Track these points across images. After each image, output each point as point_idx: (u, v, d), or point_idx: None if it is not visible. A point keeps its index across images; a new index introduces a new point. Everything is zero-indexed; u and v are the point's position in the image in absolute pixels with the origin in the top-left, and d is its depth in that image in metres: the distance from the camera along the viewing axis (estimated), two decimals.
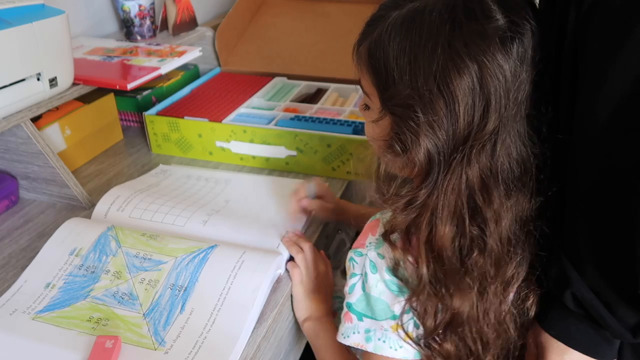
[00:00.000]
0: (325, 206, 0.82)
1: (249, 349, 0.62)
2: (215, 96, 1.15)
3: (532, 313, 0.58)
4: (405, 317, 0.56)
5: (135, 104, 1.17)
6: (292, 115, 1.04)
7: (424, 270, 0.54)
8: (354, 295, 0.60)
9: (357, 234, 0.64)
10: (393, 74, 0.52)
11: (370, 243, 0.59)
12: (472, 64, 0.48)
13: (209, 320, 0.64)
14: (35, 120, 0.90)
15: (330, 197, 0.85)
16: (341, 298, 0.64)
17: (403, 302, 0.56)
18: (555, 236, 0.54)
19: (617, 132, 0.45)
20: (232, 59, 1.36)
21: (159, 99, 1.19)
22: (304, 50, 1.35)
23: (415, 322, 0.57)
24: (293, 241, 0.75)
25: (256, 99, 1.14)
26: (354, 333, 0.60)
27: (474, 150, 0.50)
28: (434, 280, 0.54)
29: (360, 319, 0.59)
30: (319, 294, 0.72)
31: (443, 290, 0.54)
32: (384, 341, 0.58)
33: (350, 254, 0.60)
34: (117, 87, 0.94)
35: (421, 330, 0.57)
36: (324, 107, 1.10)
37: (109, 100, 1.09)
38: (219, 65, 1.35)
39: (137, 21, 1.23)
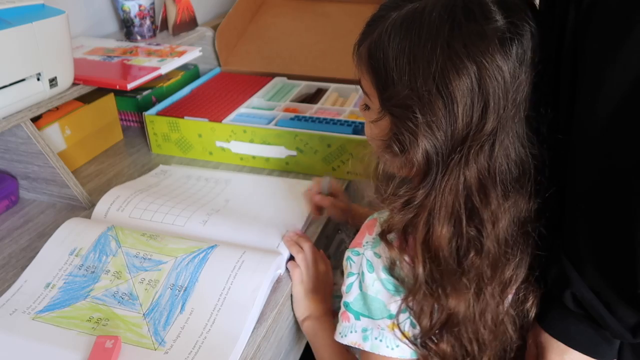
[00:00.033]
0: (337, 204, 0.82)
1: (249, 349, 0.62)
2: (215, 96, 1.15)
3: (532, 315, 0.58)
4: (402, 317, 0.57)
5: (135, 104, 1.17)
6: (292, 115, 1.04)
7: (420, 270, 0.54)
8: (351, 295, 0.60)
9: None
10: (392, 75, 0.52)
11: (367, 242, 0.59)
12: (471, 64, 0.48)
13: (209, 320, 0.64)
14: (35, 120, 0.90)
15: (342, 196, 0.85)
16: (341, 297, 0.64)
17: (399, 302, 0.56)
18: (554, 236, 0.54)
19: (616, 132, 0.45)
20: (232, 59, 1.36)
21: (159, 99, 1.19)
22: (304, 50, 1.35)
23: (411, 322, 0.57)
24: (294, 240, 0.75)
25: (256, 99, 1.14)
26: (351, 332, 0.60)
27: (472, 151, 0.50)
28: (430, 281, 0.54)
29: (357, 318, 0.59)
30: (318, 293, 0.72)
31: (439, 291, 0.54)
32: (380, 340, 0.58)
33: (348, 253, 0.61)
34: (117, 87, 0.94)
35: (418, 330, 0.57)
36: (324, 107, 1.10)
37: (109, 100, 1.09)
38: (219, 65, 1.35)
39: (137, 21, 1.23)
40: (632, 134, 0.44)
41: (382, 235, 0.56)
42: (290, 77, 1.28)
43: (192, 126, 1.02)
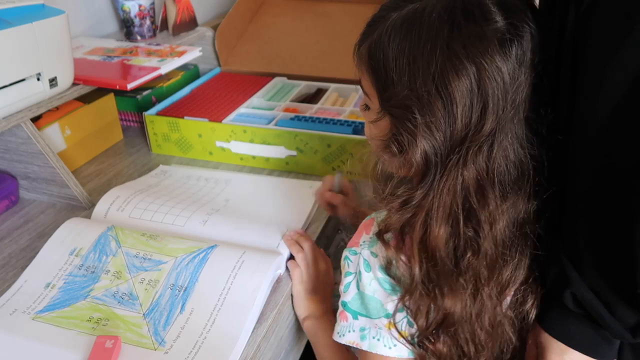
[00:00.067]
0: (347, 203, 0.82)
1: (249, 349, 0.62)
2: (215, 96, 1.15)
3: (531, 316, 0.58)
4: (399, 316, 0.57)
5: (135, 104, 1.17)
6: (292, 115, 1.04)
7: (417, 270, 0.54)
8: (349, 294, 0.60)
9: None
10: (392, 75, 0.52)
11: (364, 242, 0.59)
12: (471, 65, 0.48)
13: (209, 320, 0.64)
14: (35, 120, 0.90)
15: (353, 196, 0.85)
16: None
17: (396, 301, 0.56)
18: (554, 237, 0.54)
19: (616, 132, 0.45)
20: (232, 59, 1.36)
21: (159, 99, 1.19)
22: (304, 50, 1.35)
23: (409, 321, 0.57)
24: (294, 239, 0.75)
25: (256, 99, 1.14)
26: (349, 332, 0.60)
27: (471, 152, 0.50)
28: (427, 281, 0.54)
29: (355, 318, 0.59)
30: (319, 293, 0.72)
31: (436, 291, 0.54)
32: (378, 339, 0.58)
33: (345, 252, 0.61)
34: (117, 87, 0.94)
35: (415, 329, 0.57)
36: (324, 107, 1.10)
37: (109, 100, 1.09)
38: (219, 65, 1.35)
39: (137, 21, 1.23)
40: (632, 134, 0.44)
41: (379, 235, 0.56)
42: (290, 77, 1.28)
43: (192, 126, 1.02)
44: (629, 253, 0.46)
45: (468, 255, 0.53)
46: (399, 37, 0.51)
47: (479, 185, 0.52)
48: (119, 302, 0.67)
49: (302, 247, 0.74)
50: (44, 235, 0.81)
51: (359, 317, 0.59)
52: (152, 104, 1.18)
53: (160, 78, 1.14)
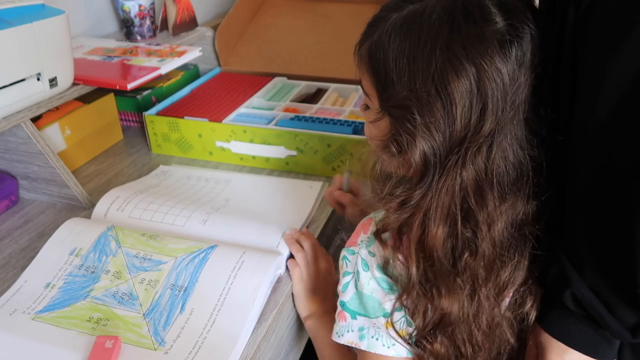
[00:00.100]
0: (355, 202, 0.82)
1: (249, 349, 0.62)
2: (215, 96, 1.15)
3: (531, 318, 0.58)
4: (397, 315, 0.57)
5: (135, 104, 1.17)
6: (292, 115, 1.04)
7: (414, 270, 0.54)
8: (347, 294, 0.60)
9: None
10: (392, 75, 0.52)
11: (362, 241, 0.59)
12: (470, 66, 0.48)
13: (209, 321, 0.64)
14: (35, 120, 0.90)
15: (361, 196, 0.85)
16: None
17: (394, 300, 0.56)
18: (554, 237, 0.54)
19: (616, 132, 0.45)
20: (232, 59, 1.36)
21: (159, 99, 1.19)
22: (304, 50, 1.35)
23: (407, 320, 0.57)
24: (295, 239, 0.75)
25: (256, 99, 1.14)
26: (348, 332, 0.60)
27: (470, 153, 0.50)
28: (424, 280, 0.54)
29: (354, 317, 0.59)
30: (319, 292, 0.72)
31: (433, 291, 0.54)
32: (377, 339, 0.58)
33: (344, 252, 0.61)
34: (117, 87, 0.94)
35: (413, 328, 0.57)
36: (324, 107, 1.10)
37: (109, 100, 1.09)
38: (219, 65, 1.35)
39: (137, 21, 1.23)
40: (632, 134, 0.44)
41: (377, 234, 0.57)
42: (290, 77, 1.28)
43: (192, 126, 1.02)
44: (629, 253, 0.46)
45: (465, 256, 0.53)
46: (399, 37, 0.51)
47: (478, 186, 0.52)
48: (119, 302, 0.67)
49: (302, 246, 0.74)
50: (44, 235, 0.81)
51: (357, 316, 0.59)
52: (152, 104, 1.18)
53: (160, 78, 1.14)
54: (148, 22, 1.25)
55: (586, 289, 0.50)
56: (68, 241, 0.75)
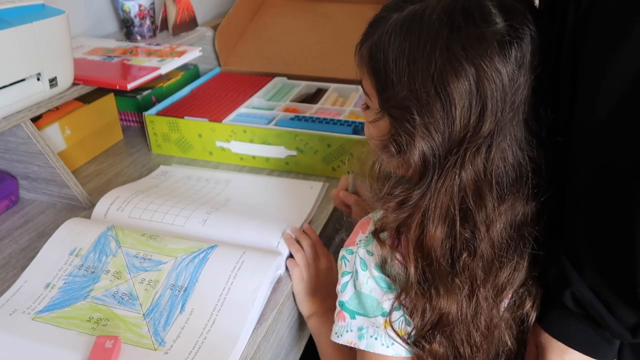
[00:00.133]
0: (360, 204, 0.82)
1: (249, 349, 0.62)
2: (215, 96, 1.15)
3: (531, 319, 0.58)
4: (396, 314, 0.57)
5: (135, 104, 1.17)
6: (292, 115, 1.04)
7: (412, 270, 0.54)
8: (346, 294, 0.60)
9: None
10: (392, 76, 0.52)
11: (360, 240, 0.59)
12: (470, 67, 0.48)
13: (209, 321, 0.64)
14: (35, 120, 0.90)
15: (367, 198, 0.85)
16: None
17: (392, 299, 0.56)
18: (554, 237, 0.54)
19: (615, 132, 0.45)
20: (232, 59, 1.36)
21: (159, 99, 1.19)
22: (304, 50, 1.35)
23: (406, 319, 0.57)
24: (294, 238, 0.75)
25: (256, 99, 1.14)
26: (347, 332, 0.60)
27: (469, 153, 0.50)
28: (422, 280, 0.54)
29: (353, 317, 0.59)
30: (321, 291, 0.72)
31: (431, 290, 0.54)
32: (375, 338, 0.58)
33: (342, 252, 0.61)
34: (117, 87, 0.94)
35: (412, 328, 0.57)
36: (324, 107, 1.10)
37: (109, 100, 1.09)
38: (219, 65, 1.35)
39: (137, 21, 1.23)
40: (631, 134, 0.44)
41: (375, 233, 0.57)
42: (290, 77, 1.28)
43: (192, 126, 1.02)
44: (629, 253, 0.46)
45: (464, 256, 0.53)
46: (399, 38, 0.51)
47: (477, 186, 0.52)
48: (118, 302, 0.67)
49: (302, 246, 0.74)
50: (44, 235, 0.81)
51: (356, 316, 0.59)
52: (152, 104, 1.18)
53: (160, 78, 1.14)
54: (148, 22, 1.25)
55: (586, 288, 0.50)
56: (68, 241, 0.75)
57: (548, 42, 0.51)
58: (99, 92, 1.02)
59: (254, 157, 1.01)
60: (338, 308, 0.61)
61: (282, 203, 0.88)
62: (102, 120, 1.08)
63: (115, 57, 1.06)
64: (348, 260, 0.60)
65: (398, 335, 0.57)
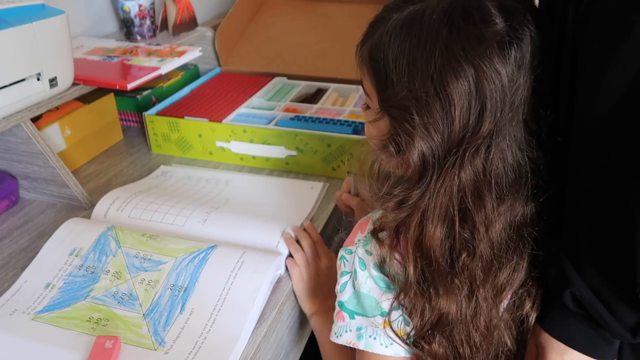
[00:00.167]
0: (363, 206, 0.82)
1: (249, 349, 0.62)
2: (215, 96, 1.15)
3: (531, 320, 0.58)
4: (395, 314, 0.57)
5: (135, 104, 1.17)
6: (292, 115, 1.04)
7: (411, 270, 0.54)
8: (345, 294, 0.60)
9: None
10: (392, 76, 0.52)
11: (359, 240, 0.59)
12: (469, 67, 0.48)
13: (209, 321, 0.64)
14: (35, 120, 0.90)
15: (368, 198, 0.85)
16: None
17: (391, 299, 0.56)
18: (554, 237, 0.54)
19: (615, 132, 0.45)
20: (232, 59, 1.36)
21: (159, 99, 1.19)
22: (304, 50, 1.35)
23: (405, 319, 0.57)
24: (294, 238, 0.75)
25: (256, 99, 1.14)
26: (346, 332, 0.60)
27: (468, 154, 0.50)
28: (421, 280, 0.54)
29: (352, 317, 0.59)
30: (321, 290, 0.72)
31: (430, 291, 0.54)
32: (374, 338, 0.58)
33: (341, 252, 0.61)
34: (117, 87, 0.94)
35: (411, 327, 0.57)
36: (324, 107, 1.10)
37: (109, 100, 1.09)
38: (219, 65, 1.35)
39: (137, 21, 1.23)
40: (631, 134, 0.44)
41: (374, 233, 0.57)
42: (290, 77, 1.28)
43: (192, 126, 1.02)
44: (629, 253, 0.46)
45: (463, 257, 0.53)
46: (399, 38, 0.51)
47: (476, 187, 0.52)
48: (118, 303, 0.67)
49: (301, 246, 0.74)
50: (44, 235, 0.81)
51: (355, 316, 0.59)
52: (152, 104, 1.18)
53: (160, 78, 1.14)
54: (148, 22, 1.25)
55: (586, 288, 0.50)
56: (68, 241, 0.75)
57: (548, 43, 0.51)
58: (99, 92, 1.02)
59: (254, 157, 1.01)
60: (337, 308, 0.61)
61: (282, 203, 0.88)
62: (102, 120, 1.08)
63: (115, 57, 1.06)
64: (347, 260, 0.60)
65: (397, 335, 0.57)
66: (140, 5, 1.21)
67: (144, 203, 0.83)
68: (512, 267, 0.55)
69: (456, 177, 0.51)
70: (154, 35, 1.28)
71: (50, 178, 0.88)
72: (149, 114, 1.05)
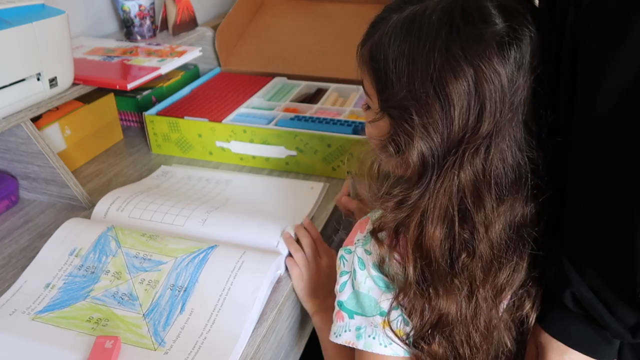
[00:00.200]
0: (363, 209, 0.82)
1: (249, 349, 0.62)
2: (215, 96, 1.15)
3: (531, 321, 0.58)
4: (394, 314, 0.57)
5: (135, 104, 1.17)
6: (292, 115, 1.04)
7: (411, 270, 0.54)
8: (344, 294, 0.60)
9: None
10: (391, 76, 0.52)
11: (358, 240, 0.59)
12: (468, 68, 0.48)
13: (209, 321, 0.64)
14: (35, 120, 0.90)
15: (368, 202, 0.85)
16: None
17: (391, 299, 0.56)
18: (554, 236, 0.54)
19: (615, 132, 0.45)
20: (232, 59, 1.36)
21: (159, 99, 1.19)
22: (304, 50, 1.35)
23: (404, 318, 0.57)
24: (294, 238, 0.75)
25: (256, 99, 1.14)
26: (345, 331, 0.60)
27: (467, 154, 0.50)
28: (421, 280, 0.54)
29: (351, 317, 0.59)
30: (322, 288, 0.72)
31: (430, 291, 0.54)
32: (373, 338, 0.58)
33: (341, 252, 0.61)
34: (117, 87, 0.94)
35: (410, 327, 0.57)
36: (324, 107, 1.10)
37: (109, 100, 1.09)
38: (219, 65, 1.35)
39: (137, 21, 1.23)
40: (631, 134, 0.44)
41: (373, 233, 0.57)
42: (290, 77, 1.28)
43: (192, 126, 1.02)
44: (629, 253, 0.46)
45: (463, 257, 0.53)
46: (399, 39, 0.51)
47: (475, 187, 0.52)
48: (118, 303, 0.67)
49: (301, 245, 0.74)
50: (44, 235, 0.81)
51: (354, 316, 0.59)
52: (152, 104, 1.18)
53: (160, 78, 1.14)
54: (148, 22, 1.25)
55: (586, 288, 0.50)
56: (68, 241, 0.75)
57: (548, 43, 0.51)
58: (99, 92, 1.02)
59: (254, 157, 1.01)
60: (337, 308, 0.61)
61: (282, 203, 0.88)
62: (102, 120, 1.08)
63: (115, 57, 1.06)
64: (346, 260, 0.60)
65: (396, 335, 0.57)
66: (140, 5, 1.21)
67: (144, 203, 0.83)
68: (512, 267, 0.55)
69: (456, 177, 0.51)
70: (154, 35, 1.28)
71: (50, 178, 0.88)
72: (149, 114, 1.05)
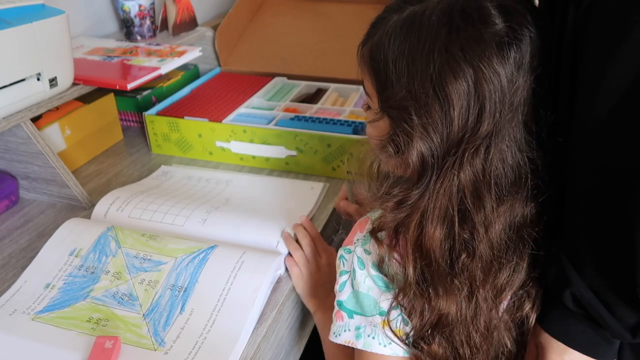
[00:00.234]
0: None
1: (249, 349, 0.62)
2: (215, 96, 1.15)
3: (531, 321, 0.58)
4: (393, 314, 0.57)
5: (135, 104, 1.17)
6: (292, 115, 1.04)
7: (410, 270, 0.54)
8: (344, 293, 0.60)
9: None
10: (391, 76, 0.52)
11: (357, 240, 0.59)
12: (468, 68, 0.48)
13: (209, 321, 0.64)
14: (35, 120, 0.90)
15: (365, 200, 0.85)
16: None
17: (390, 299, 0.56)
18: (554, 236, 0.54)
19: (615, 132, 0.45)
20: (232, 59, 1.36)
21: (159, 99, 1.19)
22: (304, 50, 1.35)
23: (403, 318, 0.57)
24: (293, 237, 0.75)
25: (256, 99, 1.14)
26: (345, 331, 0.60)
27: (467, 154, 0.50)
28: (421, 281, 0.54)
29: (350, 317, 0.59)
30: (323, 287, 0.72)
31: (430, 291, 0.54)
32: (373, 337, 0.58)
33: (340, 251, 0.61)
34: (117, 87, 0.94)
35: (410, 327, 0.57)
36: (324, 107, 1.10)
37: (109, 100, 1.09)
38: (219, 65, 1.35)
39: (137, 21, 1.23)
40: (631, 135, 0.44)
41: (373, 232, 0.57)
42: (290, 77, 1.28)
43: (192, 126, 1.02)
44: (629, 253, 0.46)
45: (463, 257, 0.53)
46: (399, 39, 0.52)
47: (475, 187, 0.52)
48: (118, 303, 0.67)
49: (300, 244, 0.74)
50: (44, 235, 0.81)
51: (354, 315, 0.59)
52: (152, 104, 1.18)
53: (160, 78, 1.14)
54: (148, 22, 1.25)
55: (586, 288, 0.50)
56: (68, 241, 0.75)
57: (548, 43, 0.51)
58: (99, 92, 1.02)
59: (254, 157, 1.01)
60: (336, 307, 0.61)
61: (282, 203, 0.88)
62: (102, 120, 1.08)
63: (115, 57, 1.06)
64: (346, 260, 0.60)
65: (396, 335, 0.57)
66: (140, 5, 1.21)
67: (144, 203, 0.83)
68: (512, 267, 0.55)
69: (455, 177, 0.51)
70: (154, 35, 1.28)
71: (50, 178, 0.88)
72: (149, 114, 1.05)
